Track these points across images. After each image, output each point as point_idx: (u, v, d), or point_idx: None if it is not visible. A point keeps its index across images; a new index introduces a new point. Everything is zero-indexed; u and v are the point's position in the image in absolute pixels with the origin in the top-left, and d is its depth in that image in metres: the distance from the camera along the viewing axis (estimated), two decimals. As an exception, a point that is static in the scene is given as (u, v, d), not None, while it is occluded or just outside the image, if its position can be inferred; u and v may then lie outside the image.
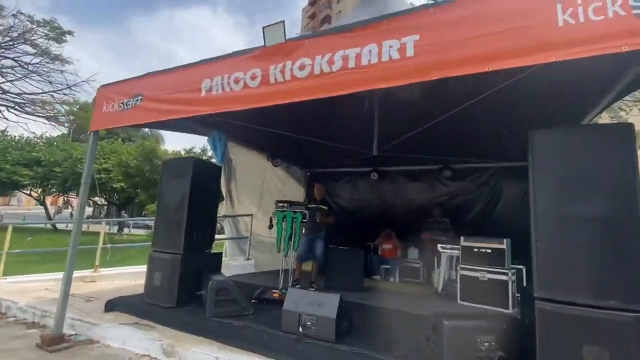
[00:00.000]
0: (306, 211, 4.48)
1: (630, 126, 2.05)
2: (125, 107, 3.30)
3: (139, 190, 21.41)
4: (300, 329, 2.78)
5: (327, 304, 2.80)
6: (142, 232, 24.48)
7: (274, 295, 4.06)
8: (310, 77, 2.31)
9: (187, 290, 3.63)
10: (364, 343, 2.73)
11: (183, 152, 25.64)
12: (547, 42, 1.70)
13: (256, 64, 2.57)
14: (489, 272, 4.47)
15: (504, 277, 4.36)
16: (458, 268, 4.77)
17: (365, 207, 7.25)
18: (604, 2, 1.61)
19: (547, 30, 1.70)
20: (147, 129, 26.66)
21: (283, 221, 4.46)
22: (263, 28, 2.53)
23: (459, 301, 4.63)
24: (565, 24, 1.67)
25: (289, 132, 5.23)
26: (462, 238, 4.88)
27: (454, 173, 6.38)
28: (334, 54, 2.24)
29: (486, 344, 2.29)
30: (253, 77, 2.56)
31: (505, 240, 4.49)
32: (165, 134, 35.25)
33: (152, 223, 12.66)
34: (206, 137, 5.34)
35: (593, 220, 2.02)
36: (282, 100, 2.39)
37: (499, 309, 4.26)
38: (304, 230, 4.79)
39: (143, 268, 4.06)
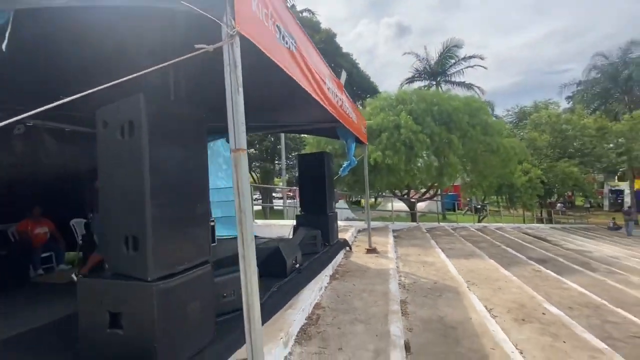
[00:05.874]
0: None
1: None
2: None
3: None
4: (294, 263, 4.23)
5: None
6: None
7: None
8: (341, 108, 4.41)
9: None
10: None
11: None
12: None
13: (341, 92, 3.93)
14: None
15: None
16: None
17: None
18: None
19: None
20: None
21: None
22: (343, 71, 4.02)
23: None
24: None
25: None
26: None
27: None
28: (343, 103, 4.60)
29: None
30: (342, 100, 3.91)
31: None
32: None
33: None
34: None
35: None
36: (341, 120, 4.18)
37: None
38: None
39: None
